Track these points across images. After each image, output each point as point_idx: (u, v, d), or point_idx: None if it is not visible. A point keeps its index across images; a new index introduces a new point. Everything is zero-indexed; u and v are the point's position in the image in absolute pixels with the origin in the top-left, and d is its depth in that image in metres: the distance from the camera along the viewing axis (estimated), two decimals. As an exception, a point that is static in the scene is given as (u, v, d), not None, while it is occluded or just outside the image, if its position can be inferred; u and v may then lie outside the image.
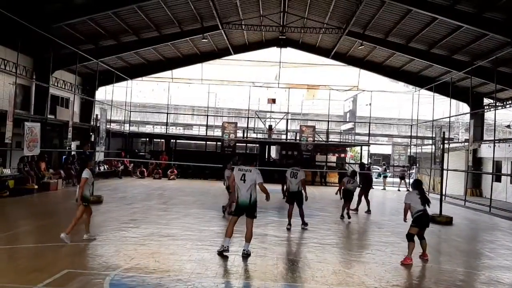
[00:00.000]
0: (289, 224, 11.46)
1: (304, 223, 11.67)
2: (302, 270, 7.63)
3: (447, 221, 14.29)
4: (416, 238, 8.51)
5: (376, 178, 31.28)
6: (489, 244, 11.51)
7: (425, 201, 8.51)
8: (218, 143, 30.28)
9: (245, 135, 31.25)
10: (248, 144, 32.57)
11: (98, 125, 16.80)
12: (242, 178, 8.25)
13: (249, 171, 8.33)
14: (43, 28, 17.67)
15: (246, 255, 8.14)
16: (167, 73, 31.48)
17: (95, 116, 18.68)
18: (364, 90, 31.76)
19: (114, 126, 30.78)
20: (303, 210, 11.72)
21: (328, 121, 31.80)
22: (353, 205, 14.70)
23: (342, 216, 13.84)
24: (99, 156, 17.73)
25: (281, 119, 31.46)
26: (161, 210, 13.94)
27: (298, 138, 30.20)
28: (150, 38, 24.37)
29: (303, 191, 11.57)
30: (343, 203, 14.14)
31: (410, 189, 9.06)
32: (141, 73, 30.34)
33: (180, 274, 7.04)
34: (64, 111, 24.33)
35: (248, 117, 32.04)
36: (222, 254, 8.14)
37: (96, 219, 12.07)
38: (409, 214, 8.66)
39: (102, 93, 29.07)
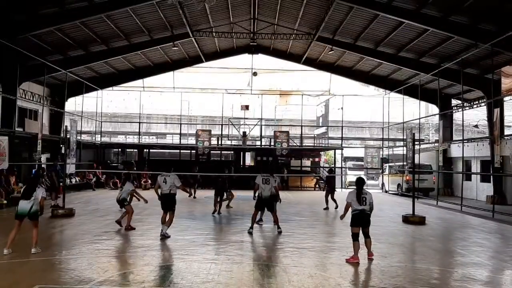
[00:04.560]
0: (252, 228, 11.71)
1: (279, 227, 11.90)
2: (278, 275, 7.61)
3: (420, 221, 14.53)
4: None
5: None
6: (461, 242, 11.73)
7: (362, 200, 8.73)
8: (192, 151, 30.09)
9: (220, 142, 31.16)
10: (222, 151, 32.48)
11: (68, 136, 16.50)
12: (164, 181, 10.86)
13: (168, 176, 10.86)
14: (8, 40, 17.28)
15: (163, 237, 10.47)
16: (138, 82, 31.17)
17: (65, 128, 18.36)
18: (335, 95, 32.15)
19: (85, 137, 30.26)
20: (277, 216, 12.01)
21: (302, 126, 32.02)
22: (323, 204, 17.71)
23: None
24: (70, 169, 17.41)
25: (255, 125, 31.51)
26: (135, 221, 13.63)
27: (272, 143, 30.29)
28: (120, 47, 24.11)
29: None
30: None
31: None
32: (111, 82, 29.96)
33: (156, 284, 6.94)
34: (33, 123, 23.80)
35: (222, 124, 31.97)
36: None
37: (68, 232, 11.85)
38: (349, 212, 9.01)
39: (72, 104, 28.54)
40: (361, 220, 8.75)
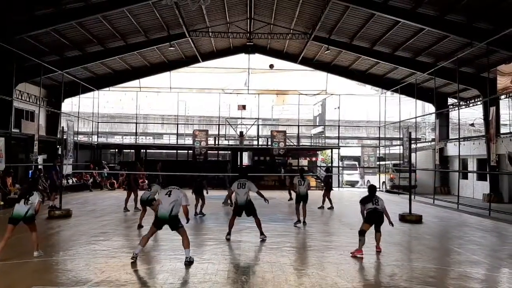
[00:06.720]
0: (229, 234, 10.84)
1: (262, 234, 10.90)
2: (275, 275, 7.62)
3: (417, 220, 14.57)
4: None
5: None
6: (458, 240, 11.77)
7: (376, 200, 9.54)
8: (189, 151, 30.08)
9: (217, 143, 31.18)
10: (219, 151, 32.48)
11: (65, 137, 16.48)
12: (167, 194, 8.49)
13: (176, 189, 8.57)
14: (4, 40, 17.25)
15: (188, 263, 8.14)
16: (134, 83, 31.17)
17: (61, 129, 18.33)
18: (332, 94, 32.20)
19: (81, 138, 30.21)
20: (259, 219, 11.00)
21: (298, 125, 32.08)
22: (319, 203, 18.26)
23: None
24: (67, 169, 17.37)
25: (252, 125, 31.52)
26: (132, 222, 13.70)
27: (269, 143, 30.30)
28: (116, 47, 24.08)
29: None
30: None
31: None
32: (108, 83, 29.92)
33: (152, 285, 6.94)
34: (30, 124, 23.72)
35: (219, 124, 31.97)
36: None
37: (65, 233, 11.84)
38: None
39: (69, 104, 28.50)
40: (375, 217, 9.43)
